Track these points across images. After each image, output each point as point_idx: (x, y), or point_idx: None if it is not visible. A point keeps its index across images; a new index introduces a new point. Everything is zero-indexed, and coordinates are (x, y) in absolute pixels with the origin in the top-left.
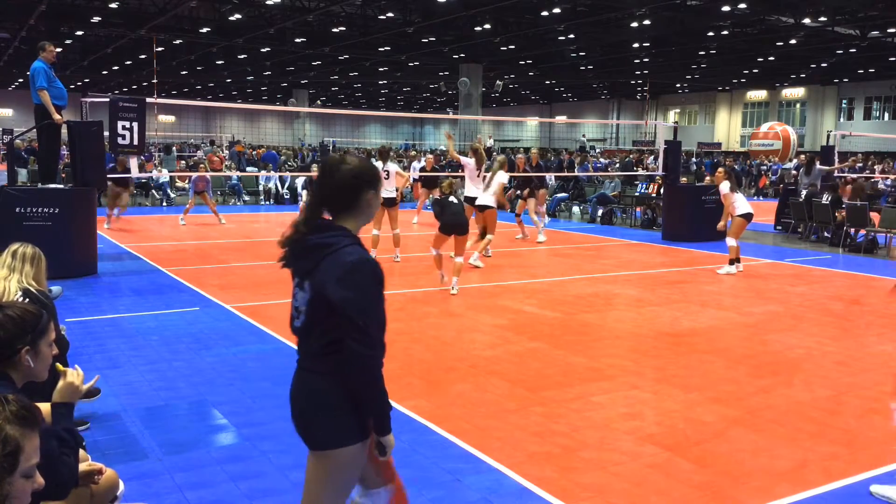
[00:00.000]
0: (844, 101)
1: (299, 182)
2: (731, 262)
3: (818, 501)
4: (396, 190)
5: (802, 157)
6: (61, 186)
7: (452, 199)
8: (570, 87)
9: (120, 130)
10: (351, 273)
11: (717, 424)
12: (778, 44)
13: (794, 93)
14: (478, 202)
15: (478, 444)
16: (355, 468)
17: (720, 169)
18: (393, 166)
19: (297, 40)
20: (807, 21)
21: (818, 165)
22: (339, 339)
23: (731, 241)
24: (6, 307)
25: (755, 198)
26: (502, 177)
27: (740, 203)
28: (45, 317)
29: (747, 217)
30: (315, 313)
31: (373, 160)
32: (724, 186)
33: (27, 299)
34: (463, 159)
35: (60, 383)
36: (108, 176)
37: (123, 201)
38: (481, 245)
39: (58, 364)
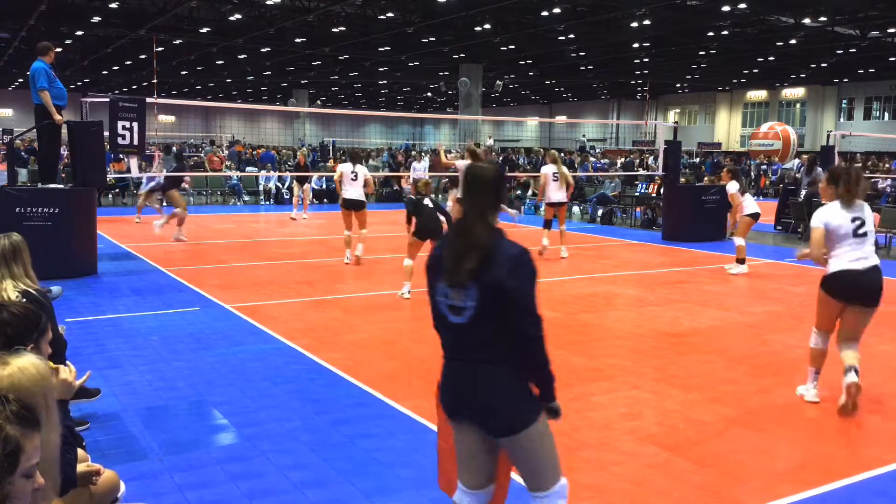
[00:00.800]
0: (844, 101)
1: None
2: (740, 262)
3: (818, 501)
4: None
5: (804, 157)
6: (61, 186)
7: (427, 201)
8: (570, 87)
9: (120, 130)
10: (518, 264)
11: (717, 424)
12: (778, 44)
13: (794, 93)
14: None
15: None
16: (549, 431)
17: (725, 169)
18: (362, 169)
19: (297, 40)
20: (807, 21)
21: (818, 168)
22: (507, 326)
23: (738, 241)
24: (9, 306)
25: (757, 198)
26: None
27: (748, 203)
28: (45, 317)
29: (755, 216)
30: (485, 305)
31: (343, 161)
32: (732, 186)
33: (25, 299)
34: (459, 163)
35: (53, 381)
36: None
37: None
38: None
39: (49, 362)
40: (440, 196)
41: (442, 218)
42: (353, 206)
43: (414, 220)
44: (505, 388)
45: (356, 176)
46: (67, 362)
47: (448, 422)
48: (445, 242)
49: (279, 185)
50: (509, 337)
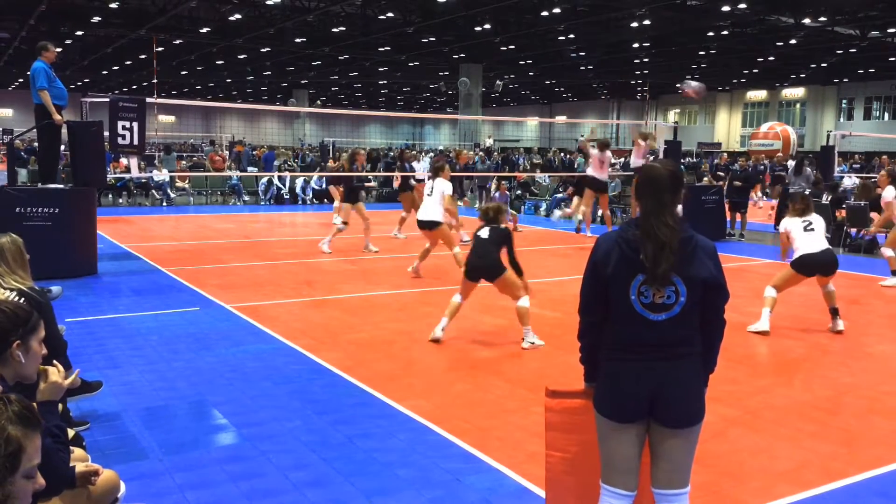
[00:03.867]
0: (844, 101)
1: (298, 182)
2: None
3: (818, 501)
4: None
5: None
6: (61, 186)
7: (484, 231)
8: (570, 87)
9: (120, 130)
10: (714, 254)
11: (717, 424)
12: (778, 44)
13: (794, 93)
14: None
15: (478, 444)
16: None
17: (883, 172)
18: (441, 185)
19: (297, 40)
20: (807, 21)
21: (808, 169)
22: (704, 317)
23: (888, 252)
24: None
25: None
26: (444, 185)
27: None
28: (37, 316)
29: None
30: (694, 298)
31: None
32: (889, 192)
33: (22, 299)
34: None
35: (42, 384)
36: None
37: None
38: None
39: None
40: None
41: (499, 249)
42: (426, 226)
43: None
44: (699, 380)
45: (432, 191)
46: (54, 362)
47: (610, 426)
48: (631, 242)
49: (279, 185)
50: (701, 328)
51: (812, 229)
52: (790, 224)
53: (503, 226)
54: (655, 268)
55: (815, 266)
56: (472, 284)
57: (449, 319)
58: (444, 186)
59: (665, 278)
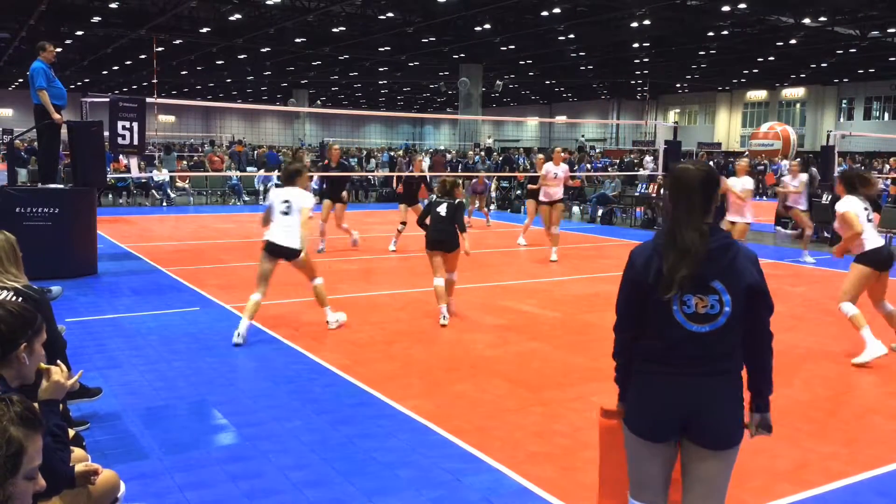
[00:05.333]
0: (844, 101)
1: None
2: None
3: (818, 501)
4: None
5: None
6: (61, 186)
7: (442, 208)
8: (570, 87)
9: (120, 130)
10: (756, 261)
11: None
12: (778, 44)
13: (794, 93)
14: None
15: (478, 444)
16: None
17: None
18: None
19: (297, 40)
20: (807, 21)
21: (813, 168)
22: (747, 330)
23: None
24: (5, 304)
25: (760, 198)
26: (303, 198)
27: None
28: (41, 318)
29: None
30: (738, 306)
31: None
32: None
33: (19, 298)
34: None
35: (45, 382)
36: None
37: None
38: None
39: (40, 363)
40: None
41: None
42: (284, 254)
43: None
44: (739, 399)
45: (289, 209)
46: (58, 361)
47: (639, 444)
48: (658, 249)
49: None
50: (745, 341)
51: (871, 219)
52: (854, 206)
53: (457, 199)
54: (673, 273)
55: (883, 262)
56: (436, 256)
57: (446, 303)
58: (303, 200)
59: (683, 287)
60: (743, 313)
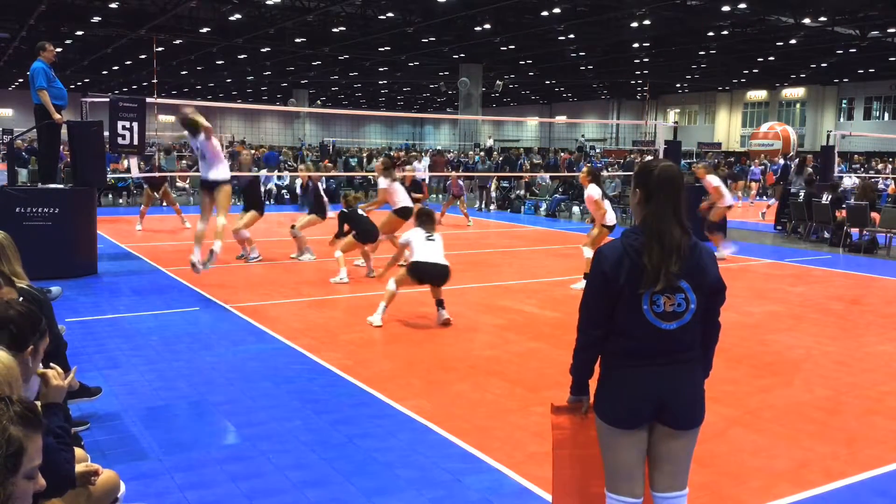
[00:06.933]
0: (844, 101)
1: (298, 182)
2: None
3: (818, 501)
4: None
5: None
6: (61, 186)
7: (360, 213)
8: (570, 87)
9: (120, 130)
10: (714, 258)
11: (717, 424)
12: (778, 44)
13: (794, 93)
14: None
15: (478, 444)
16: None
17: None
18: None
19: (297, 40)
20: (807, 21)
21: (808, 168)
22: (705, 320)
23: (587, 252)
24: (15, 304)
25: (761, 198)
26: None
27: None
28: (45, 320)
29: None
30: (701, 303)
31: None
32: (595, 191)
33: (21, 298)
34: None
35: (44, 388)
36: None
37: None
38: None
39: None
40: (439, 197)
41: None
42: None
43: (347, 227)
44: (702, 382)
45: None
46: (51, 364)
47: (616, 434)
48: (639, 249)
49: (279, 184)
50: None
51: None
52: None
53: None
54: (660, 272)
55: None
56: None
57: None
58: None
59: (671, 284)
60: (706, 309)
